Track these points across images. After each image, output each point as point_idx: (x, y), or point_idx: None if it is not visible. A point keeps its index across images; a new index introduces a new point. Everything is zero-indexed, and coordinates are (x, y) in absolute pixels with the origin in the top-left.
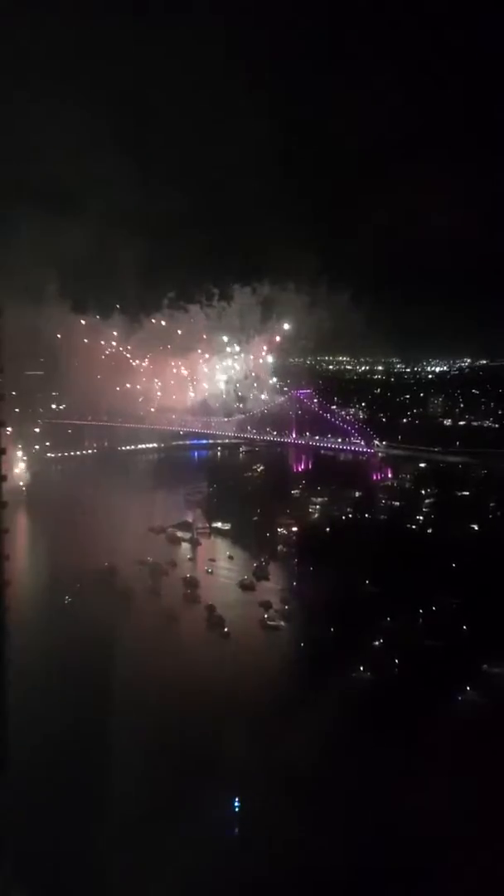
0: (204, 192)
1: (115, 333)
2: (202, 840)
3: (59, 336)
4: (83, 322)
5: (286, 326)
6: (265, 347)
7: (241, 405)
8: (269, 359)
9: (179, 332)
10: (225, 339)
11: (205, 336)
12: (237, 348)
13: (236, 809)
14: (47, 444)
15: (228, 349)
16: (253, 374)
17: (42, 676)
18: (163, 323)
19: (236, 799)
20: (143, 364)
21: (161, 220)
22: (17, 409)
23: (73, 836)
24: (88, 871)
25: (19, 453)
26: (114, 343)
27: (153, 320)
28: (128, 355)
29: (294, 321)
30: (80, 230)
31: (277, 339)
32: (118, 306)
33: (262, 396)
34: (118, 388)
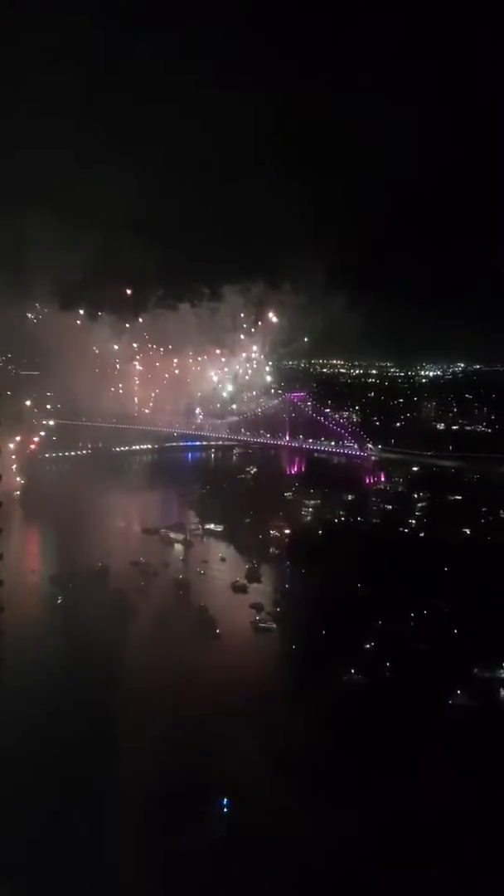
0: (198, 190)
1: (109, 334)
2: (189, 836)
3: (53, 337)
4: (78, 323)
5: (281, 329)
6: (259, 349)
7: (234, 407)
8: (264, 361)
9: (173, 333)
10: (219, 340)
11: (199, 337)
12: (232, 350)
13: (225, 809)
14: (42, 444)
15: (223, 351)
16: (247, 376)
17: (32, 676)
18: (157, 324)
19: (225, 799)
20: (138, 365)
21: (154, 219)
22: (11, 409)
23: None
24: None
25: (13, 454)
26: (108, 344)
27: (147, 321)
28: (122, 356)
29: (289, 323)
30: (75, 231)
31: (272, 341)
32: (112, 307)
33: (257, 398)
34: (113, 389)
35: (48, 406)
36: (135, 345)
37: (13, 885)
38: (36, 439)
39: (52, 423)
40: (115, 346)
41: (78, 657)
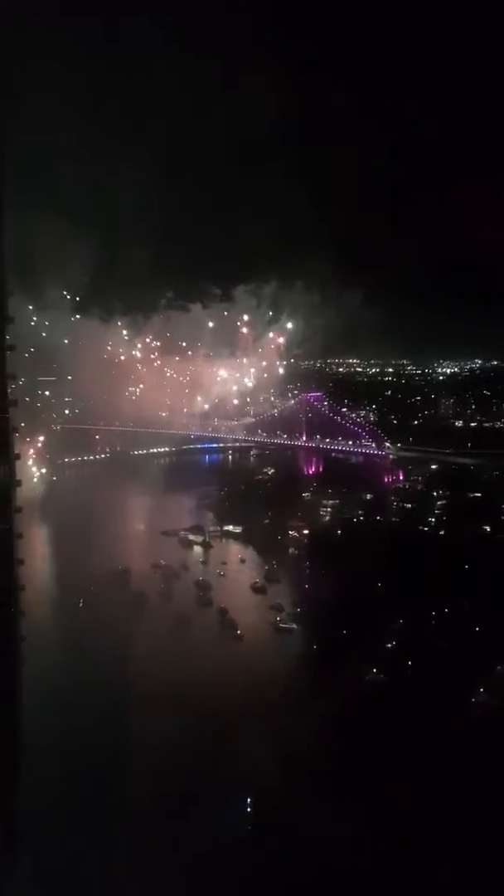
0: (208, 189)
1: (125, 338)
2: (211, 834)
3: (69, 341)
4: (94, 327)
5: (296, 328)
6: (274, 350)
7: (251, 408)
8: (279, 361)
9: (188, 335)
10: (234, 341)
11: (214, 338)
12: (247, 351)
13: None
14: (60, 448)
15: (238, 352)
16: (263, 376)
17: (54, 679)
18: (171, 326)
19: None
20: (153, 368)
21: (167, 220)
22: (29, 414)
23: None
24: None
25: (33, 459)
26: (123, 347)
27: (161, 323)
28: (138, 359)
29: (304, 323)
30: (90, 234)
31: (287, 341)
32: (128, 310)
33: (273, 399)
34: (129, 393)
35: (66, 410)
36: (151, 347)
37: (38, 885)
38: (54, 444)
39: (70, 427)
40: (132, 350)
41: (100, 660)
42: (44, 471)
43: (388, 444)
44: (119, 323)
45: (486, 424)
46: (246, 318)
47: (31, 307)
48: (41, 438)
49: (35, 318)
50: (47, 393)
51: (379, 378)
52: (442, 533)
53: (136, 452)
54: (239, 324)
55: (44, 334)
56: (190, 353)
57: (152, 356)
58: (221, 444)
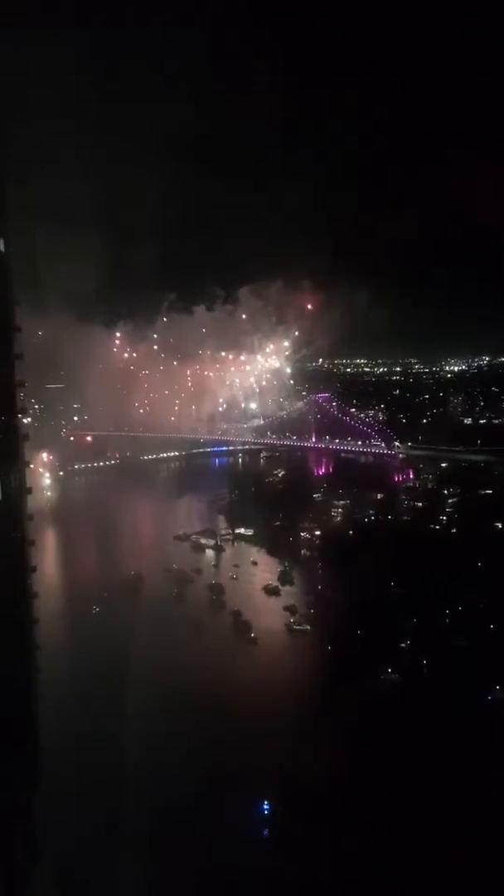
0: (214, 190)
1: (130, 343)
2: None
3: (77, 349)
4: (100, 332)
5: (302, 330)
6: (281, 351)
7: (260, 410)
8: (287, 363)
9: (194, 339)
10: (241, 344)
11: (220, 342)
12: (254, 353)
13: (266, 812)
14: (70, 455)
15: (245, 354)
16: (272, 379)
17: (70, 686)
18: (177, 331)
19: (265, 802)
20: (161, 372)
21: (168, 223)
22: (40, 422)
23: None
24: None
25: (43, 466)
26: (130, 354)
27: (167, 329)
28: (145, 365)
29: (311, 324)
30: (96, 244)
31: (294, 342)
32: (133, 315)
33: (281, 401)
34: (138, 399)
35: (75, 417)
36: (157, 351)
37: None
38: (64, 451)
39: (80, 433)
40: (139, 356)
41: (116, 666)
42: (54, 477)
43: (397, 443)
44: (124, 328)
45: (496, 421)
46: (252, 319)
47: (37, 315)
48: (52, 445)
49: (42, 326)
50: (56, 400)
51: (387, 377)
52: (454, 531)
53: (145, 457)
54: (245, 325)
55: (47, 342)
56: (197, 355)
57: (159, 360)
58: (231, 447)
